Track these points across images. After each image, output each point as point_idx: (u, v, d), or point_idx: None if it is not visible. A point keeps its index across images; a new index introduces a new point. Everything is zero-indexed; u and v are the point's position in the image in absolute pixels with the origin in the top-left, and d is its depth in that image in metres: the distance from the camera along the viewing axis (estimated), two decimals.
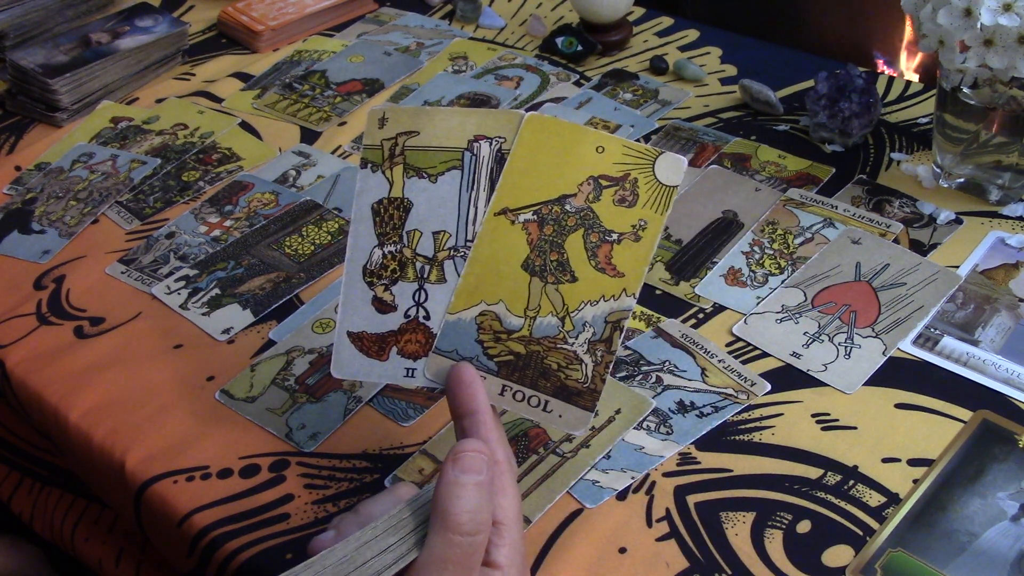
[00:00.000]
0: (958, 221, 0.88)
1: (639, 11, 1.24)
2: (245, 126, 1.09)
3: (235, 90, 1.15)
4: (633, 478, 0.67)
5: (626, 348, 0.77)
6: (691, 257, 0.86)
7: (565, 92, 1.10)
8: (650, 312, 0.81)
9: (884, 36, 1.56)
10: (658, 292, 0.83)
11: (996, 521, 0.63)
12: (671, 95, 1.08)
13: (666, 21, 1.23)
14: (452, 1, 1.29)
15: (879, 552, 0.62)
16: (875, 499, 0.65)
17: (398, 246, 0.60)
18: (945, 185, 0.92)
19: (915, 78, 1.47)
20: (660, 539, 0.64)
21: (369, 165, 0.61)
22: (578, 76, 1.13)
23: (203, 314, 0.83)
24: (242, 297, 0.85)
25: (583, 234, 0.59)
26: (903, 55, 1.53)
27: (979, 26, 0.78)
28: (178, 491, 0.69)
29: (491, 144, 0.60)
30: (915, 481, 0.66)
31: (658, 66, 1.12)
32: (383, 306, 0.60)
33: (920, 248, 0.85)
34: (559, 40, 1.16)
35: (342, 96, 1.12)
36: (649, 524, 0.65)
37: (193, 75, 1.19)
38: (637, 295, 0.58)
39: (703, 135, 1.01)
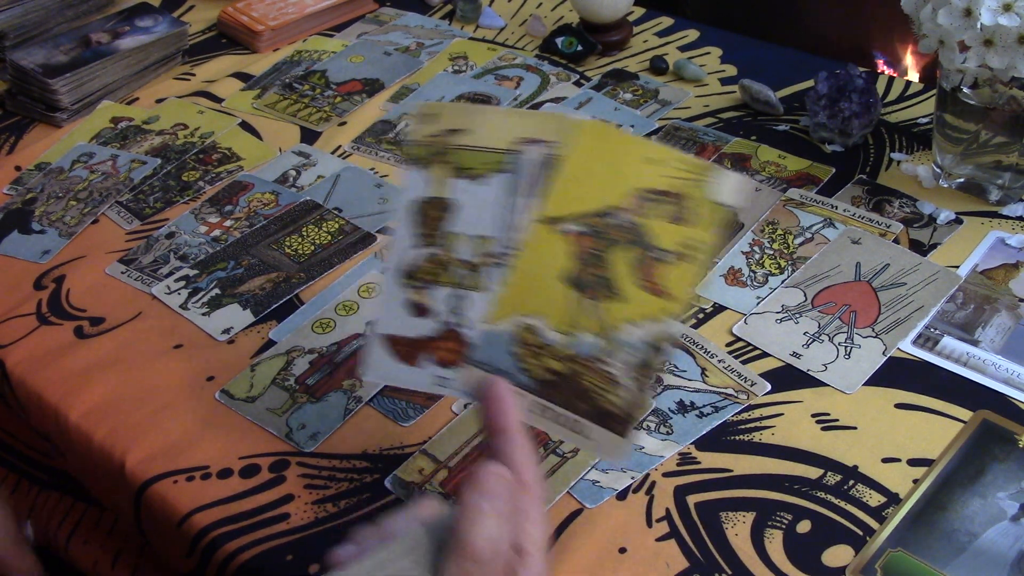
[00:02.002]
0: (958, 221, 0.88)
1: (639, 11, 1.24)
2: (245, 126, 1.09)
3: (235, 90, 1.15)
4: (633, 478, 0.67)
5: None
6: None
7: (565, 92, 1.10)
8: None
9: (884, 36, 1.56)
10: None
11: (996, 521, 0.63)
12: (671, 95, 1.08)
13: (666, 21, 1.23)
14: (452, 1, 1.29)
15: (879, 552, 0.62)
16: (875, 499, 0.65)
17: (438, 248, 0.58)
18: (945, 185, 0.92)
19: (916, 77, 1.47)
20: (660, 539, 0.64)
21: (414, 162, 0.59)
22: (578, 76, 1.13)
23: (203, 314, 0.83)
24: (242, 297, 0.85)
25: (630, 250, 0.55)
26: (909, 55, 1.53)
27: (979, 26, 0.78)
28: (178, 491, 0.69)
29: (542, 148, 0.56)
30: (915, 481, 0.66)
31: (658, 66, 1.12)
32: (419, 310, 0.58)
33: (920, 248, 0.85)
34: (559, 40, 1.16)
35: (342, 96, 1.12)
36: (649, 524, 0.65)
37: (193, 75, 1.19)
38: (682, 319, 0.55)
39: (703, 135, 1.01)
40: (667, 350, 0.54)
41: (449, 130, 0.58)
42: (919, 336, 0.76)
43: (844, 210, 0.89)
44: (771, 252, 0.85)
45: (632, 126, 1.02)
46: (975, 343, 0.76)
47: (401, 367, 0.58)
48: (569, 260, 0.56)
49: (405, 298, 0.58)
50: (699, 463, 0.68)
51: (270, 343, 0.80)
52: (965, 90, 0.85)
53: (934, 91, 1.01)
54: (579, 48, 1.15)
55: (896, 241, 0.86)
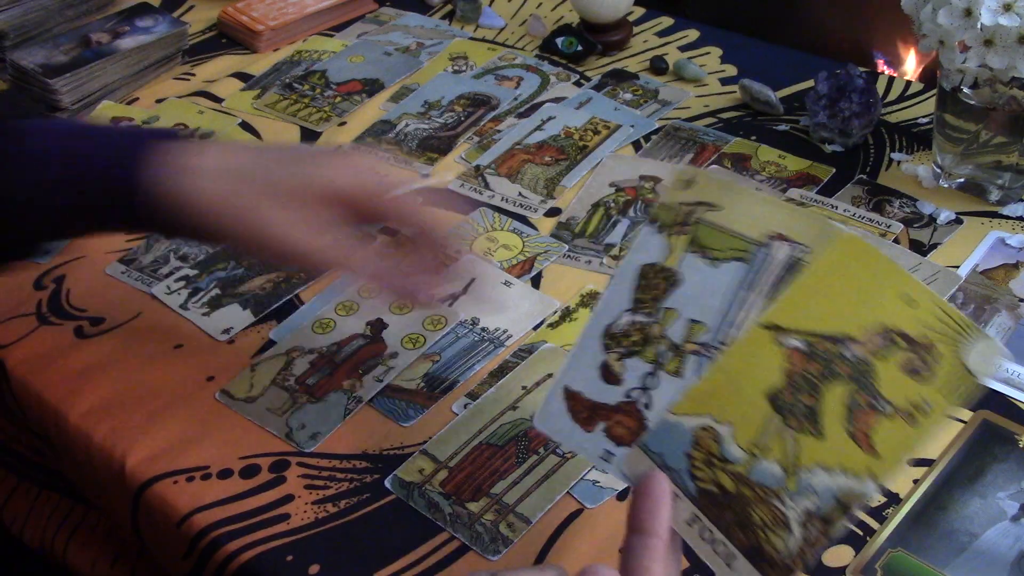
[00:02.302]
0: (958, 221, 0.88)
1: (639, 11, 1.24)
2: (245, 126, 1.09)
3: (235, 90, 1.15)
4: None
5: None
6: None
7: (565, 92, 1.10)
8: None
9: (884, 36, 1.56)
10: None
11: (996, 521, 0.63)
12: (671, 95, 1.08)
13: (666, 21, 1.23)
14: (452, 1, 1.29)
15: (879, 552, 0.62)
16: (875, 499, 0.65)
17: (650, 319, 0.54)
18: (945, 185, 0.92)
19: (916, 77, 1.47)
20: None
21: (657, 224, 0.55)
22: (578, 76, 1.13)
23: (203, 314, 0.83)
24: (242, 297, 0.85)
25: (850, 389, 0.49)
26: (909, 55, 1.53)
27: (979, 26, 0.78)
28: (178, 491, 0.69)
29: (790, 248, 0.51)
30: (915, 481, 0.66)
31: (658, 66, 1.12)
32: (610, 375, 0.55)
33: (920, 248, 0.85)
34: (559, 40, 1.16)
35: (342, 96, 1.12)
36: None
37: (193, 75, 1.19)
38: (883, 486, 0.48)
39: (703, 135, 1.01)
40: (854, 512, 0.48)
41: (700, 202, 0.54)
42: None
43: (844, 210, 0.89)
44: None
45: (632, 126, 1.02)
46: None
47: (574, 428, 0.55)
48: (779, 377, 0.50)
49: (602, 360, 0.55)
50: None
51: (270, 343, 0.80)
52: (965, 90, 0.85)
53: (934, 91, 1.01)
54: (579, 48, 1.15)
55: (896, 241, 0.86)
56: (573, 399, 0.56)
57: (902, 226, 0.87)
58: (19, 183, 0.64)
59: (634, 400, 0.54)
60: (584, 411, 0.55)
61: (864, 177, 0.94)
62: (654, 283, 0.54)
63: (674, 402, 0.52)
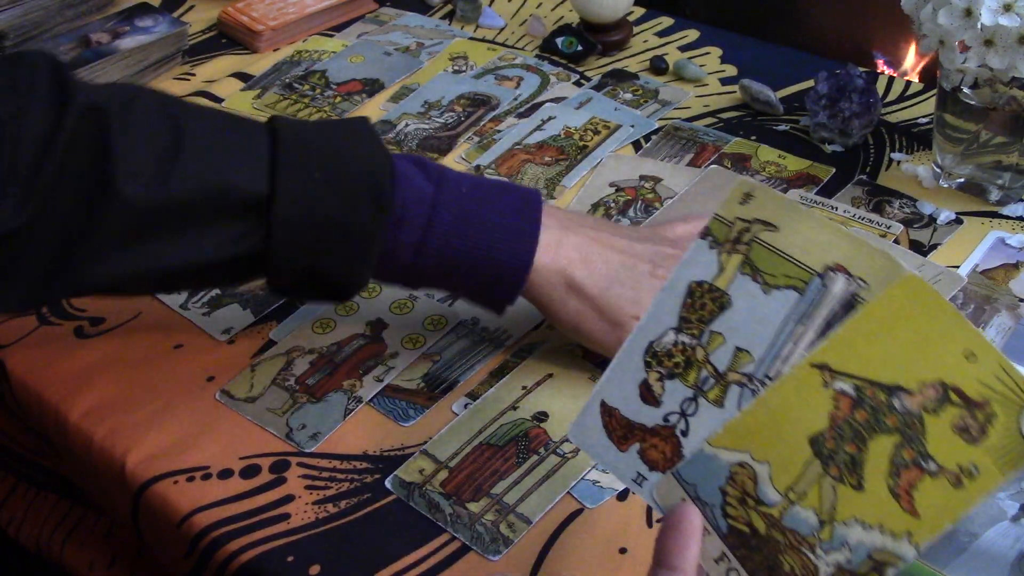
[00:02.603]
0: (958, 221, 0.88)
1: (639, 11, 1.24)
2: None
3: (235, 90, 1.15)
4: None
5: None
6: None
7: (565, 92, 1.10)
8: None
9: (884, 36, 1.56)
10: None
11: (996, 521, 0.63)
12: (671, 95, 1.08)
13: (666, 21, 1.23)
14: (452, 1, 1.29)
15: None
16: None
17: (694, 341, 0.52)
18: (945, 185, 0.92)
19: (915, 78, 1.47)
20: None
21: (710, 238, 0.52)
22: (578, 76, 1.13)
23: (203, 314, 0.83)
24: (242, 297, 0.85)
25: (896, 443, 0.46)
26: (909, 55, 1.53)
27: (979, 26, 0.78)
28: (178, 491, 0.69)
29: (848, 282, 0.48)
30: None
31: (658, 66, 1.12)
32: (649, 395, 0.53)
33: (920, 248, 0.85)
34: (559, 40, 1.16)
35: (342, 96, 1.12)
36: (649, 524, 0.65)
37: (193, 75, 1.19)
38: (922, 549, 0.45)
39: (703, 135, 1.01)
40: (888, 574, 0.46)
41: (759, 220, 0.51)
42: None
43: (844, 210, 0.89)
44: None
45: (632, 126, 1.02)
46: None
47: (608, 445, 0.54)
48: (824, 421, 0.47)
49: (642, 378, 0.53)
50: None
51: (270, 343, 0.80)
52: (965, 90, 0.85)
53: (934, 91, 1.01)
54: (579, 48, 1.15)
55: (896, 242, 0.86)
56: (609, 415, 0.54)
57: (902, 227, 0.87)
58: (392, 255, 0.68)
59: (672, 425, 0.52)
60: (620, 429, 0.54)
61: (864, 177, 0.94)
62: (702, 303, 0.52)
63: (713, 433, 0.50)
